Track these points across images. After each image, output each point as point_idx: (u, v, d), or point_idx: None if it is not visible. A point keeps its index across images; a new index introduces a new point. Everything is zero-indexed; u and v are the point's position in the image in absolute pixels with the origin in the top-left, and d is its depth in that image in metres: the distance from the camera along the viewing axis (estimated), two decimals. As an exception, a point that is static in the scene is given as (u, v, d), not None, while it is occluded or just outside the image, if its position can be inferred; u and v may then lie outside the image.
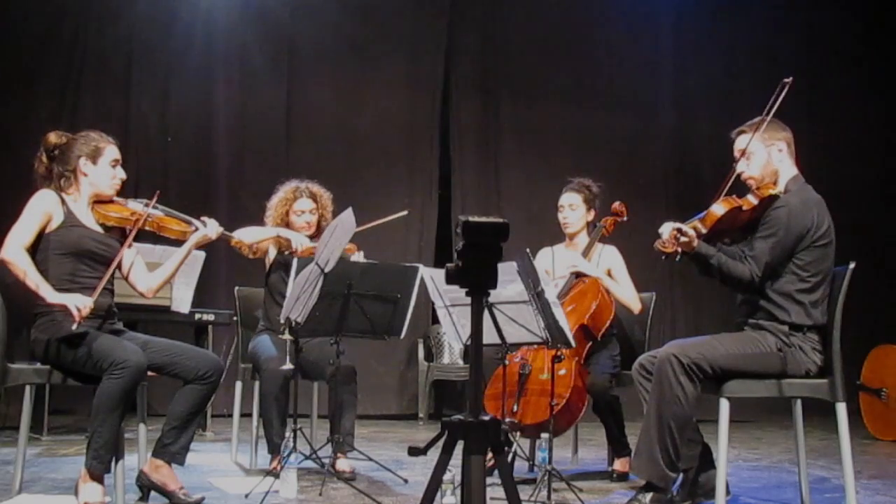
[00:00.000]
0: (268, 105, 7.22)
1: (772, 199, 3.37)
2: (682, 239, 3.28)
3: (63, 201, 3.39)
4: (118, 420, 3.19)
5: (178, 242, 3.64)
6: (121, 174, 3.51)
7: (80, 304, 3.19)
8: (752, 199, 3.39)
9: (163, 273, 3.62)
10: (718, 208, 3.35)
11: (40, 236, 3.32)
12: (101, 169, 3.46)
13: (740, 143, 3.48)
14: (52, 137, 3.48)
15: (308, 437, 4.44)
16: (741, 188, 3.45)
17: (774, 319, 3.32)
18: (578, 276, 4.32)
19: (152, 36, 7.05)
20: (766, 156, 3.43)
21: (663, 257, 3.47)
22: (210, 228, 3.61)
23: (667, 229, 3.33)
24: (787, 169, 3.45)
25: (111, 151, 3.49)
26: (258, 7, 7.19)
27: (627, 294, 4.39)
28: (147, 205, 3.50)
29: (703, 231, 3.34)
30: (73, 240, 3.34)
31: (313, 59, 7.34)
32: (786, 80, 3.34)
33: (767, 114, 3.38)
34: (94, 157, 3.45)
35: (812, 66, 7.73)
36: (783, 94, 3.35)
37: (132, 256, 3.59)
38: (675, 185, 7.64)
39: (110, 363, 3.15)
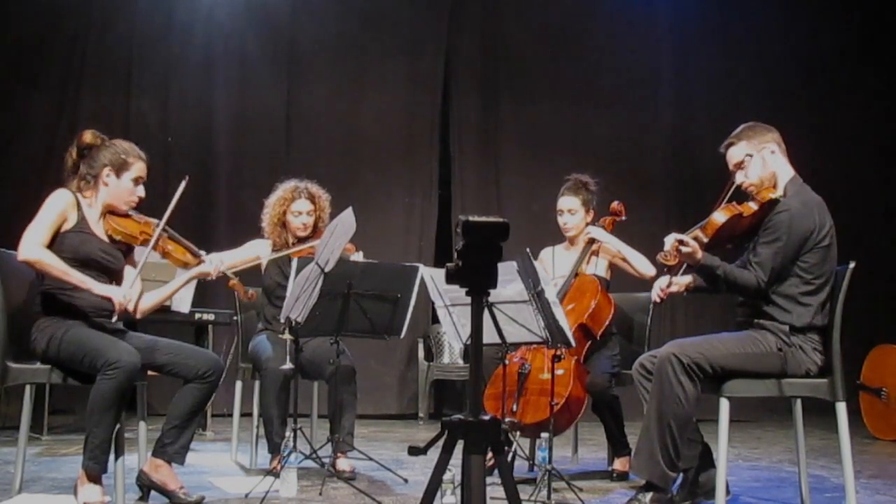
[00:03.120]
0: (268, 105, 7.22)
1: (772, 203, 3.37)
2: (685, 250, 3.27)
3: (79, 205, 3.37)
4: (113, 420, 3.18)
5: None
6: (140, 192, 3.48)
7: (122, 298, 3.27)
8: (752, 206, 3.39)
9: (154, 297, 3.58)
10: (719, 216, 3.35)
11: (55, 236, 3.30)
12: (123, 183, 3.42)
13: (732, 155, 3.48)
14: (88, 136, 3.45)
15: (308, 436, 4.44)
16: (740, 193, 3.45)
17: (775, 320, 3.32)
18: (593, 242, 4.37)
19: (152, 36, 7.05)
20: (760, 161, 3.43)
21: (665, 269, 3.47)
22: (210, 265, 3.57)
23: (669, 241, 3.33)
24: (783, 169, 3.45)
25: (137, 168, 3.45)
26: (258, 7, 7.19)
27: (640, 261, 4.35)
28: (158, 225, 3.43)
29: (705, 240, 3.34)
30: (79, 247, 3.32)
31: (313, 59, 7.33)
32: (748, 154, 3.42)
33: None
34: (120, 170, 3.41)
35: (812, 66, 7.75)
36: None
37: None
38: (675, 185, 7.62)
39: (103, 363, 3.14)
